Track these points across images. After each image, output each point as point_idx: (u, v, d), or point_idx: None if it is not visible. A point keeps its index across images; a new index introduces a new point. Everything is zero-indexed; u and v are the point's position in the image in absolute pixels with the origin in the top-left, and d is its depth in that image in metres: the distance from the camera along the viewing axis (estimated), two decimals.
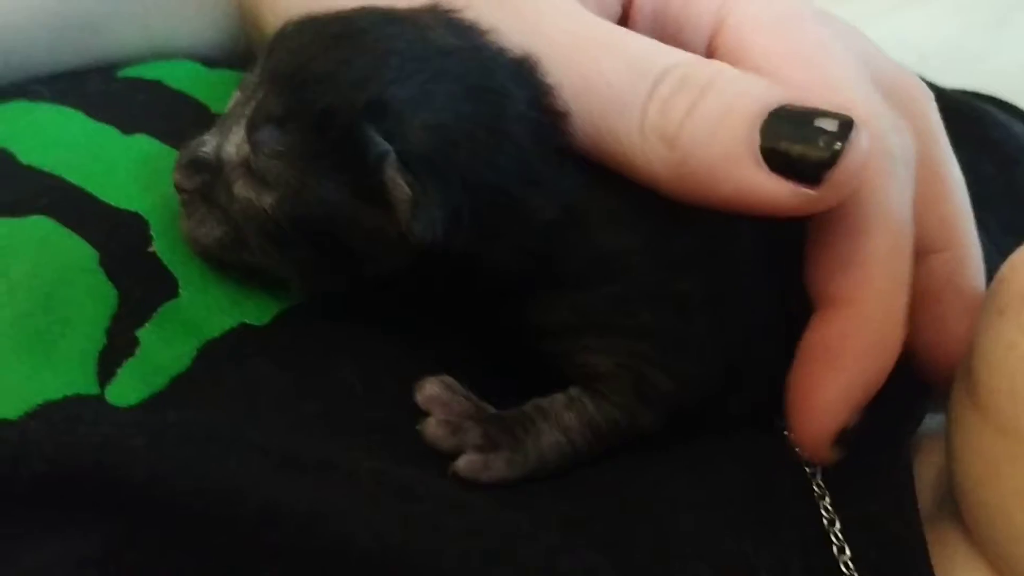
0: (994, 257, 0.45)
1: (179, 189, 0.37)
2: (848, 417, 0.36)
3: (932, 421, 0.43)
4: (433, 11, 0.37)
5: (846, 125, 0.33)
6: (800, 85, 0.37)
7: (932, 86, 0.59)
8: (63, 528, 0.32)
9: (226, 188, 0.36)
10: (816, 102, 0.34)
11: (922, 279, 0.38)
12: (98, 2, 0.45)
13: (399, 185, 0.34)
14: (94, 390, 0.34)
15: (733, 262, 0.39)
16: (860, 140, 0.34)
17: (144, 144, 0.41)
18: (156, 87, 0.44)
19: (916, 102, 0.42)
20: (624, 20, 0.41)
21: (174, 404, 0.34)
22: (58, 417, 0.33)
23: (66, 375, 0.34)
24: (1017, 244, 0.38)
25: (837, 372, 0.36)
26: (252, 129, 0.35)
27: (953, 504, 0.39)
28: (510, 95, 0.36)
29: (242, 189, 0.36)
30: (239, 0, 0.46)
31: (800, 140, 0.33)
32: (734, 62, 0.37)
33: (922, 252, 0.39)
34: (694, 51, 0.38)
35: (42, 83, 0.44)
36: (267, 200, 0.35)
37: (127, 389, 0.34)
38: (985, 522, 0.37)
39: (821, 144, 0.33)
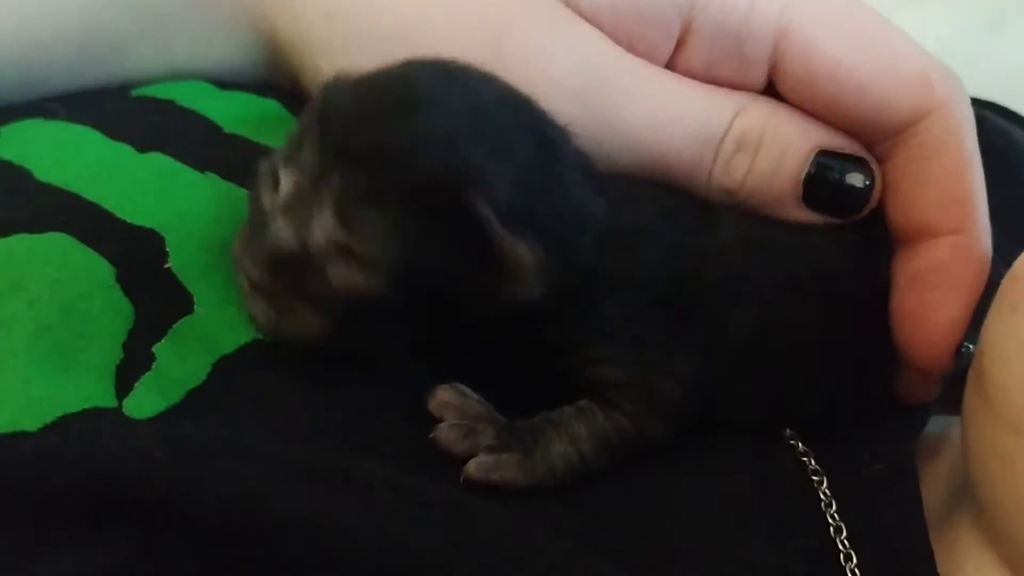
0: (998, 266, 0.45)
1: (256, 288, 0.36)
2: (965, 331, 0.40)
3: (935, 424, 0.44)
4: (473, 66, 0.37)
5: (869, 186, 0.41)
6: (874, 66, 0.40)
7: None
8: (82, 539, 0.33)
9: (319, 275, 0.35)
10: (850, 147, 0.41)
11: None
12: (123, 23, 0.45)
13: (523, 252, 0.34)
14: (112, 403, 0.35)
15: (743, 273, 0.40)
16: (876, 191, 0.41)
17: (159, 162, 0.41)
18: (169, 106, 0.44)
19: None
20: (681, 43, 0.42)
21: (191, 417, 0.35)
22: (77, 429, 0.34)
23: (85, 388, 0.35)
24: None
25: (957, 292, 0.40)
26: (343, 211, 0.34)
27: (962, 506, 0.39)
28: (559, 142, 0.37)
29: (342, 272, 0.35)
30: (275, 41, 0.45)
31: (834, 195, 0.41)
32: (806, 61, 0.41)
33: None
34: (757, 61, 0.41)
35: (58, 101, 0.44)
36: (373, 278, 0.35)
37: (144, 402, 0.35)
38: (1001, 520, 0.37)
39: (850, 201, 0.41)
